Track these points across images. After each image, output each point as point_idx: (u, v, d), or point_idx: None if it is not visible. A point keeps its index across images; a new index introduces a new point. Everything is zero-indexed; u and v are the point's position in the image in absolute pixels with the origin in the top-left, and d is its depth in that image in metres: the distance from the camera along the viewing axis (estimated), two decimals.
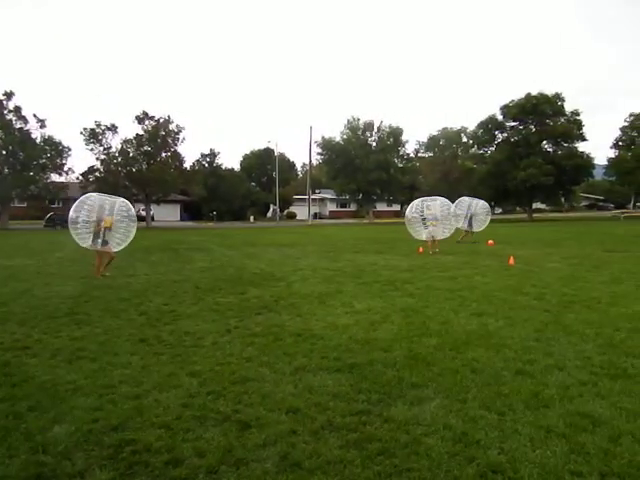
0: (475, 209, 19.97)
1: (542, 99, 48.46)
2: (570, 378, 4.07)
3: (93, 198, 10.74)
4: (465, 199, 20.52)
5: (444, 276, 10.06)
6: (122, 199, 11.08)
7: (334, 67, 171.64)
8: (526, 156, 47.92)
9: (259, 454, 2.96)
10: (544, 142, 50.53)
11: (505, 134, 52.44)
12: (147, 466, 2.86)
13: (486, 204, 20.74)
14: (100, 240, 10.35)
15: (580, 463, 2.78)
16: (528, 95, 49.19)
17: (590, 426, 3.21)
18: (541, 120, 49.68)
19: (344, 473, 2.74)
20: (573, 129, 48.57)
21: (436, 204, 16.40)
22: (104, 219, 10.29)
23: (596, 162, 51.09)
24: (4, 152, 40.59)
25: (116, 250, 10.82)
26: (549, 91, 49.53)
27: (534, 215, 52.05)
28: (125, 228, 10.87)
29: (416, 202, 17.00)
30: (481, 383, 3.97)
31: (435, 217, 16.05)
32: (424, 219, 16.18)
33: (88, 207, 10.50)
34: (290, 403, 3.65)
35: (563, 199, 56.54)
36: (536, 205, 57.50)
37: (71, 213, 10.60)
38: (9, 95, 40.42)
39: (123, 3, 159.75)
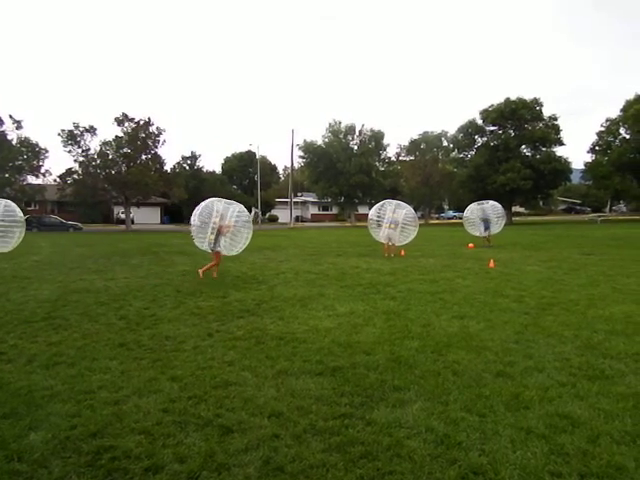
0: (488, 212, 19.58)
1: (520, 104, 49.39)
2: (549, 379, 4.13)
3: (218, 203, 11.12)
4: (475, 207, 20.10)
5: (425, 279, 10.15)
6: (241, 205, 11.56)
7: (316, 70, 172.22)
8: (505, 160, 48.84)
9: (241, 459, 2.93)
10: (523, 146, 51.51)
11: (485, 138, 53.28)
12: (126, 473, 2.81)
13: (497, 204, 20.19)
14: (218, 243, 10.71)
15: (560, 464, 2.82)
16: (507, 100, 50.11)
17: (569, 427, 3.26)
18: (520, 125, 50.68)
19: (327, 477, 2.74)
20: (551, 134, 49.57)
21: (402, 211, 16.47)
22: (227, 224, 10.80)
23: (573, 166, 52.31)
24: None
25: (231, 254, 11.25)
26: (528, 96, 50.59)
27: (513, 219, 53.00)
28: (245, 234, 11.42)
29: (378, 205, 17.14)
30: (462, 385, 4.01)
31: (395, 221, 16.14)
32: (379, 220, 16.49)
33: (209, 210, 10.92)
34: (272, 407, 3.63)
35: (541, 203, 57.67)
36: (515, 209, 58.55)
37: (196, 216, 11.00)
38: None
39: (102, 3, 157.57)
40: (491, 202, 20.35)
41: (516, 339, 5.38)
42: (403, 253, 15.84)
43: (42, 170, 43.43)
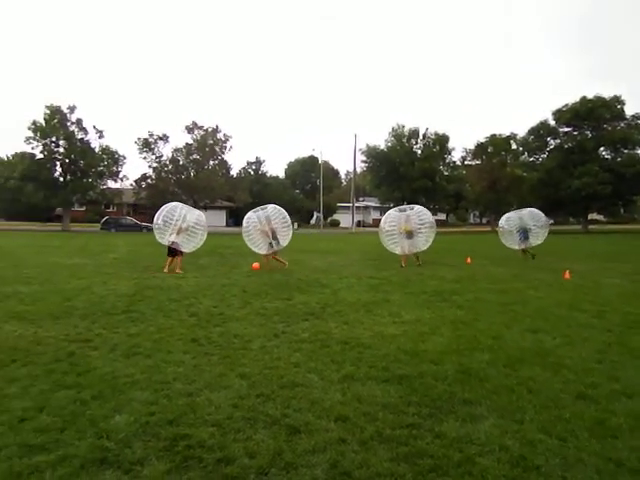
0: (526, 221, 17.28)
1: (599, 102, 45.73)
2: None
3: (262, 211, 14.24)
4: (513, 215, 17.94)
5: (494, 289, 9.72)
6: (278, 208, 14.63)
7: (380, 74, 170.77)
8: (581, 163, 45.46)
9: (308, 460, 2.96)
10: (601, 148, 47.79)
11: (558, 140, 49.97)
12: (200, 461, 2.94)
13: (535, 211, 17.87)
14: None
15: None
16: (583, 99, 46.69)
17: None
18: (598, 125, 46.98)
19: None
20: (634, 134, 45.39)
21: (414, 217, 14.71)
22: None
23: None
24: (67, 160, 43.29)
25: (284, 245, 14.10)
26: (607, 94, 46.81)
27: (589, 227, 49.38)
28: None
29: (385, 217, 15.31)
30: (539, 405, 3.77)
31: (409, 232, 14.43)
32: (393, 232, 14.77)
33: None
34: (339, 411, 3.63)
35: (622, 210, 53.21)
36: (592, 216, 54.57)
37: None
38: (72, 109, 43.29)
39: (173, 19, 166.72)
40: (529, 209, 18.21)
41: (598, 358, 4.96)
42: (469, 261, 15.28)
43: (120, 175, 46.59)
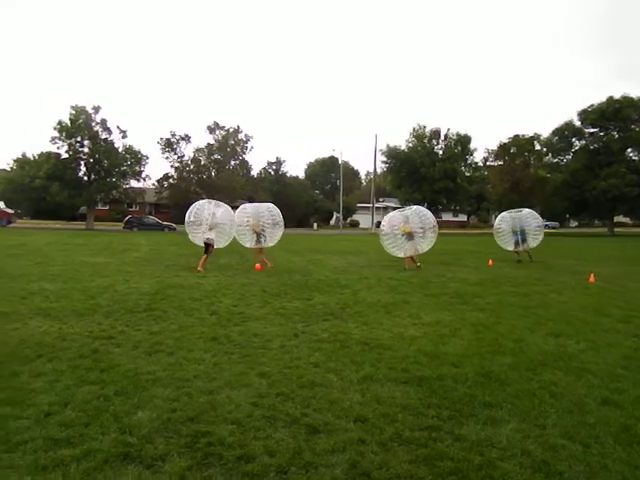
0: (523, 222, 16.53)
1: (626, 102, 44.57)
2: None
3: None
4: (508, 215, 17.13)
5: (516, 292, 9.57)
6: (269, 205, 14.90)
7: (401, 74, 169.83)
8: (607, 165, 44.42)
9: (328, 459, 2.97)
10: (628, 150, 46.59)
11: (583, 141, 48.96)
12: (221, 459, 2.98)
13: (532, 212, 17.21)
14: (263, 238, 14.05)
15: None
16: (610, 99, 45.56)
17: None
18: (625, 126, 45.78)
19: None
20: None
21: (416, 219, 14.11)
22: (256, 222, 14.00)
23: None
24: (91, 160, 44.21)
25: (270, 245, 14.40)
26: (635, 94, 45.55)
27: (615, 229, 48.09)
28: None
29: (386, 219, 14.67)
30: (561, 409, 3.71)
31: (411, 234, 13.83)
32: (395, 234, 14.07)
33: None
34: (358, 412, 3.63)
35: None
36: (618, 219, 53.16)
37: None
38: (97, 109, 44.17)
39: (196, 20, 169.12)
40: (528, 210, 17.44)
41: (624, 364, 4.84)
42: (491, 263, 15.07)
43: (143, 175, 47.20)
